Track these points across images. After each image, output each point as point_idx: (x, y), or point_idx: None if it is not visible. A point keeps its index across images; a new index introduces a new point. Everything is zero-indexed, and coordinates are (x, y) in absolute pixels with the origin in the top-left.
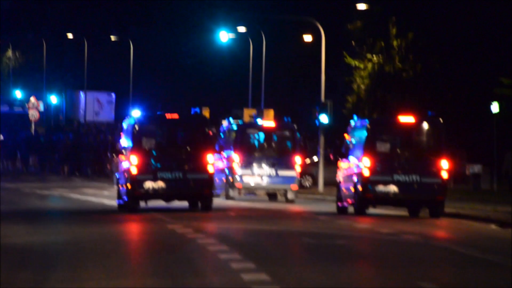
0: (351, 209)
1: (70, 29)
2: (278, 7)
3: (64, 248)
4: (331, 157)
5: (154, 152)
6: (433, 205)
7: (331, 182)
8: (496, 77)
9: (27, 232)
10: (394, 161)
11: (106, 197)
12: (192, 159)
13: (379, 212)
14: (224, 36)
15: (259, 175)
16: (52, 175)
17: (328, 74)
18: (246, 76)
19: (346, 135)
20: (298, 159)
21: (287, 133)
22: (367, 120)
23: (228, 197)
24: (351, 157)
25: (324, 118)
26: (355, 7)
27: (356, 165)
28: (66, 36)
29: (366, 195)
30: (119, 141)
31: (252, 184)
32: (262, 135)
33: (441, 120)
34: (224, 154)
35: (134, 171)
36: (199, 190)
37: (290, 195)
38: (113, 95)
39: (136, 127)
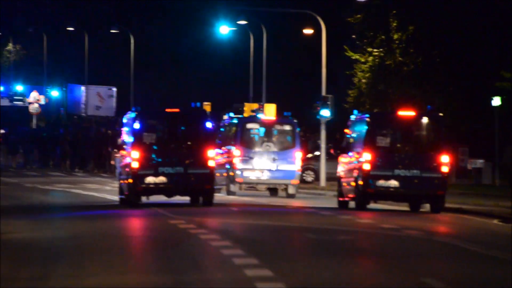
0: (352, 204)
1: (71, 22)
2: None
3: (66, 244)
4: (332, 151)
5: (155, 147)
6: (433, 200)
7: (333, 177)
8: (498, 70)
9: (29, 227)
10: (395, 155)
11: (108, 192)
12: (193, 154)
13: (380, 207)
14: (224, 29)
15: (260, 169)
16: (54, 170)
17: (329, 68)
18: (247, 70)
19: (346, 130)
20: (298, 154)
21: (287, 127)
22: (367, 115)
23: (229, 192)
24: (351, 152)
25: (325, 112)
26: (356, 0)
27: (357, 159)
28: (67, 29)
29: (367, 190)
30: (120, 136)
31: (253, 179)
32: (262, 130)
33: (441, 114)
34: (225, 148)
35: (135, 166)
36: (200, 185)
37: (291, 190)
38: (114, 89)
39: (137, 121)
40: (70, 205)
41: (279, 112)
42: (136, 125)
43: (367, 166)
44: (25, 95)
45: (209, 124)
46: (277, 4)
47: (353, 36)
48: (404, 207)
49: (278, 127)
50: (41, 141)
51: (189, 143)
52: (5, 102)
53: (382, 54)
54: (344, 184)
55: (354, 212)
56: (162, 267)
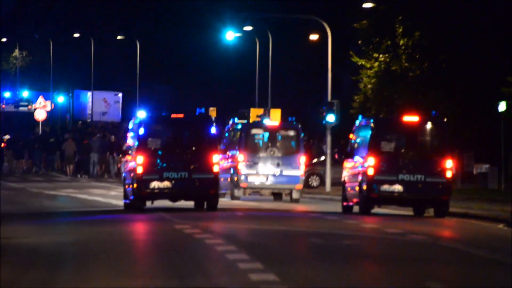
0: (356, 209)
1: (77, 28)
2: (284, 6)
3: (72, 249)
4: (336, 156)
5: (159, 152)
6: (438, 205)
7: (339, 182)
8: (504, 76)
9: (34, 232)
10: (399, 160)
11: (114, 197)
12: (197, 159)
13: (384, 212)
14: (230, 35)
15: (264, 174)
16: (60, 175)
17: (335, 73)
18: (253, 76)
19: (351, 135)
20: (302, 159)
21: (291, 132)
22: (371, 120)
23: (233, 197)
24: (356, 157)
25: (331, 118)
26: (362, 6)
27: (361, 164)
28: (73, 35)
29: (371, 194)
30: (125, 141)
31: (257, 184)
32: (266, 135)
33: (445, 119)
34: (229, 153)
35: (140, 171)
36: (205, 190)
37: (295, 195)
38: (120, 94)
39: (142, 127)
40: (75, 210)
41: (284, 117)
42: (141, 131)
43: (371, 171)
44: (31, 101)
45: (213, 129)
46: (283, 10)
47: (359, 42)
48: (408, 211)
49: (282, 132)
50: (47, 146)
51: (193, 148)
52: (11, 108)
53: (387, 60)
54: (349, 188)
55: (358, 216)
56: (167, 272)
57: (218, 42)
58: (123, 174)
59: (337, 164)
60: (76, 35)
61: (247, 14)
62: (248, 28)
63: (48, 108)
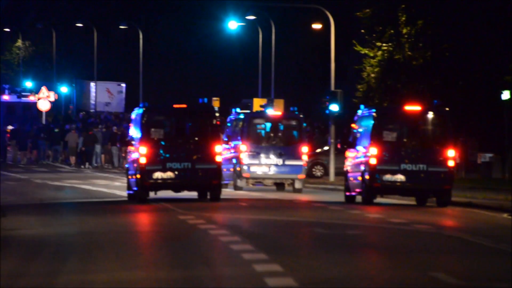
0: (359, 198)
1: (80, 18)
2: None
3: (76, 239)
4: (339, 146)
5: (162, 143)
6: (440, 194)
7: (342, 172)
8: (507, 64)
9: (39, 223)
10: (401, 150)
11: (117, 188)
12: (200, 149)
13: (386, 201)
14: (233, 24)
15: (267, 164)
16: (63, 166)
17: (338, 63)
18: (256, 65)
19: (353, 125)
20: (305, 149)
21: (293, 122)
22: (373, 109)
23: (236, 187)
24: (358, 147)
25: (334, 107)
26: None
27: (363, 154)
28: (76, 25)
29: (373, 184)
30: (128, 132)
31: (260, 174)
32: (269, 125)
33: (447, 109)
34: (232, 144)
35: (143, 161)
36: (208, 180)
37: (297, 185)
38: (123, 85)
39: (145, 117)
40: (80, 201)
41: (287, 107)
42: (144, 121)
43: (373, 161)
44: (34, 91)
45: (216, 120)
46: None
47: (362, 31)
48: (411, 201)
49: (284, 122)
50: (51, 137)
51: (196, 138)
52: (14, 98)
53: (391, 49)
54: (351, 178)
55: (362, 206)
56: (171, 263)
57: (221, 31)
58: (126, 165)
59: (341, 154)
60: (79, 25)
61: (249, 3)
62: (251, 17)
63: (52, 99)
